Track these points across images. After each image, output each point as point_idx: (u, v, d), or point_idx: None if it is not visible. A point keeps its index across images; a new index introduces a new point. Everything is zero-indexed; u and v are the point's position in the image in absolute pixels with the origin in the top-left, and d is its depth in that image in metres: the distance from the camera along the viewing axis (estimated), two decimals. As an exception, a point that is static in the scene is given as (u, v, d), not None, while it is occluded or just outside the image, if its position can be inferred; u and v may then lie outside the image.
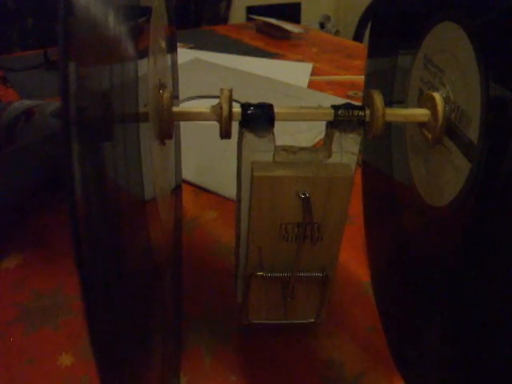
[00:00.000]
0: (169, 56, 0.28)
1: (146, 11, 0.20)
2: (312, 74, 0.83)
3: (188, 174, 0.50)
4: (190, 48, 0.93)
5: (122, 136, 0.14)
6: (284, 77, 0.77)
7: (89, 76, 0.11)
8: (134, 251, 0.17)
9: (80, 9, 0.10)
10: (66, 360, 0.31)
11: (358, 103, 0.24)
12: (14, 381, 0.30)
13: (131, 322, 0.16)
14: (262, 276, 0.26)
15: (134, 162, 0.16)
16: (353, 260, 0.40)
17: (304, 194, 0.23)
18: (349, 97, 0.72)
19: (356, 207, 0.41)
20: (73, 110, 0.09)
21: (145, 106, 0.18)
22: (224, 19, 1.28)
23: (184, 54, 0.85)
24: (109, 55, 0.13)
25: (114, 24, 0.13)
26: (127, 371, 0.14)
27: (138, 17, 0.18)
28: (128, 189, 0.15)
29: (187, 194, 0.49)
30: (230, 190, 0.48)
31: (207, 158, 0.54)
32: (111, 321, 0.13)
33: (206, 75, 0.77)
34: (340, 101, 0.67)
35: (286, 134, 0.53)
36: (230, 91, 0.22)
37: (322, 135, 0.56)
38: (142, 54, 0.18)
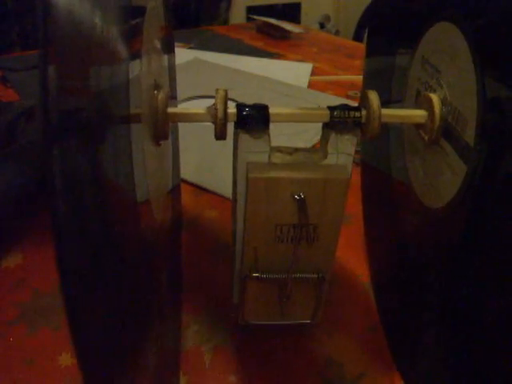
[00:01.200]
0: (165, 56, 0.28)
1: (140, 11, 0.20)
2: (312, 74, 0.83)
3: (188, 173, 0.50)
4: (190, 48, 0.93)
5: (112, 137, 0.14)
6: (284, 77, 0.77)
7: (73, 77, 0.11)
8: (127, 252, 0.17)
9: (60, 10, 0.10)
10: (66, 360, 0.32)
11: (349, 104, 0.24)
12: (14, 381, 0.30)
13: (123, 326, 0.16)
14: (258, 277, 0.26)
15: (125, 164, 0.16)
16: (352, 260, 0.40)
17: (299, 196, 0.23)
18: (349, 97, 0.71)
19: (355, 207, 0.41)
20: (54, 113, 0.09)
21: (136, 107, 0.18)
22: (224, 19, 1.28)
23: (184, 54, 0.85)
24: (96, 56, 0.13)
25: (102, 25, 0.13)
26: (117, 375, 0.14)
27: (129, 17, 0.18)
28: (119, 190, 0.15)
29: (187, 194, 0.49)
30: (230, 190, 0.48)
31: (207, 158, 0.54)
32: (99, 325, 0.12)
33: (205, 75, 0.77)
34: (340, 101, 0.67)
35: (283, 134, 0.53)
36: (225, 92, 0.22)
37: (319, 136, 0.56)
38: (135, 54, 0.18)
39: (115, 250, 0.14)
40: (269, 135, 0.23)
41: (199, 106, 0.23)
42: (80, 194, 0.11)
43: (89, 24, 0.12)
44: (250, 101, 0.23)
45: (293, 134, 0.55)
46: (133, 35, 0.18)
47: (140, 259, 0.19)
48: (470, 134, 0.21)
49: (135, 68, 0.17)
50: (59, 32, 0.10)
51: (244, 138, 0.23)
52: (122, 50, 0.15)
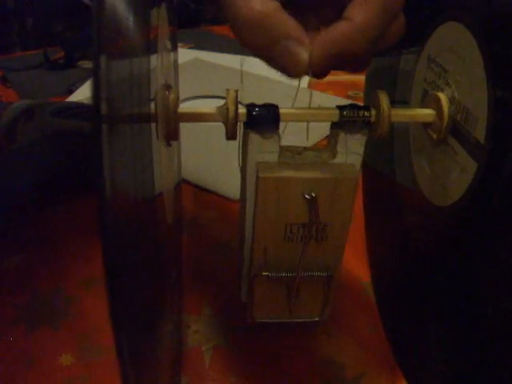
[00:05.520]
0: (172, 56, 0.29)
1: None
2: (311, 75, 0.83)
3: (188, 174, 0.50)
4: (190, 48, 0.93)
5: (137, 133, 0.14)
6: (284, 77, 0.77)
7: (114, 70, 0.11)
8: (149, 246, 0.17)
9: (108, 6, 0.10)
10: (66, 360, 0.31)
11: (359, 103, 0.24)
12: (14, 381, 0.30)
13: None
14: (267, 276, 0.26)
15: (148, 160, 0.16)
16: (353, 260, 0.40)
17: (310, 195, 0.23)
18: (349, 97, 0.71)
19: (356, 207, 0.41)
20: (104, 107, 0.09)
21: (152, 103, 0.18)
22: (224, 19, 1.28)
23: (184, 54, 0.85)
24: (128, 50, 0.13)
25: (132, 21, 0.13)
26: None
27: (150, 14, 0.18)
28: (144, 185, 0.15)
29: (187, 194, 0.49)
30: (230, 190, 0.48)
31: (207, 159, 0.54)
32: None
33: (206, 75, 0.77)
34: (340, 101, 0.67)
35: (289, 134, 0.53)
36: (236, 92, 0.22)
37: (324, 136, 0.56)
38: (153, 50, 0.18)
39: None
40: (279, 135, 0.23)
41: (199, 107, 0.23)
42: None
43: (124, 20, 0.12)
44: (250, 101, 0.24)
45: (299, 132, 0.55)
46: (151, 31, 0.18)
47: (157, 254, 0.19)
48: (480, 132, 0.21)
49: (153, 63, 0.17)
50: (107, 28, 0.10)
51: (254, 138, 0.23)
52: (145, 44, 0.16)
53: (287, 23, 0.21)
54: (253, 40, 0.21)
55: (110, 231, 0.10)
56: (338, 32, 0.21)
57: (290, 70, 0.22)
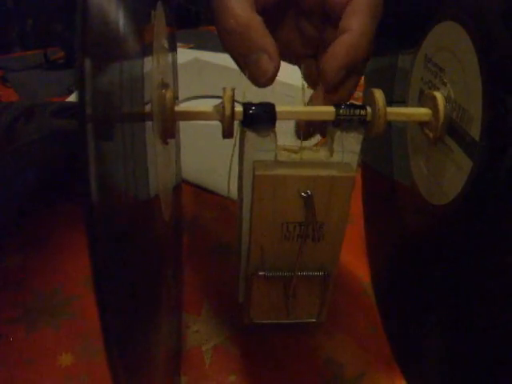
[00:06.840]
0: (170, 56, 0.29)
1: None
2: (312, 75, 0.83)
3: (188, 174, 0.50)
4: (190, 48, 0.93)
5: (130, 133, 0.14)
6: (283, 77, 0.77)
7: (102, 72, 0.11)
8: (143, 247, 0.17)
9: (93, 7, 0.10)
10: (65, 360, 0.32)
11: (355, 102, 0.24)
12: (14, 381, 0.30)
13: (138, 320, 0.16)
14: (264, 275, 0.26)
15: (141, 160, 0.16)
16: (353, 260, 0.40)
17: (306, 193, 0.23)
18: (348, 97, 0.72)
19: (355, 207, 0.41)
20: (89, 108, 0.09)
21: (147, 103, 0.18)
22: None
23: (184, 54, 0.85)
24: (118, 52, 0.13)
25: (123, 21, 0.13)
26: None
27: (144, 15, 0.18)
28: (136, 186, 0.15)
29: (187, 194, 0.49)
30: (230, 190, 0.48)
31: (207, 158, 0.54)
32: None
33: (205, 75, 0.77)
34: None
35: (287, 133, 0.53)
36: (233, 91, 0.22)
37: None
38: (147, 51, 0.18)
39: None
40: (275, 133, 0.23)
41: (202, 106, 0.23)
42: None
43: (114, 22, 0.12)
44: (249, 101, 0.24)
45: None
46: (146, 31, 0.18)
47: (152, 255, 0.19)
48: (475, 130, 0.21)
49: (147, 65, 0.17)
50: (93, 30, 0.10)
51: (250, 136, 0.23)
52: (137, 46, 0.15)
53: (264, 38, 0.23)
54: (232, 46, 0.23)
55: (97, 233, 0.10)
56: (344, 43, 0.23)
57: (258, 79, 0.24)
